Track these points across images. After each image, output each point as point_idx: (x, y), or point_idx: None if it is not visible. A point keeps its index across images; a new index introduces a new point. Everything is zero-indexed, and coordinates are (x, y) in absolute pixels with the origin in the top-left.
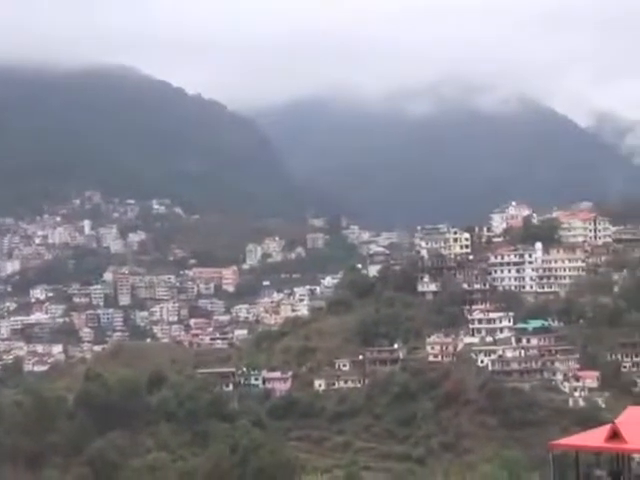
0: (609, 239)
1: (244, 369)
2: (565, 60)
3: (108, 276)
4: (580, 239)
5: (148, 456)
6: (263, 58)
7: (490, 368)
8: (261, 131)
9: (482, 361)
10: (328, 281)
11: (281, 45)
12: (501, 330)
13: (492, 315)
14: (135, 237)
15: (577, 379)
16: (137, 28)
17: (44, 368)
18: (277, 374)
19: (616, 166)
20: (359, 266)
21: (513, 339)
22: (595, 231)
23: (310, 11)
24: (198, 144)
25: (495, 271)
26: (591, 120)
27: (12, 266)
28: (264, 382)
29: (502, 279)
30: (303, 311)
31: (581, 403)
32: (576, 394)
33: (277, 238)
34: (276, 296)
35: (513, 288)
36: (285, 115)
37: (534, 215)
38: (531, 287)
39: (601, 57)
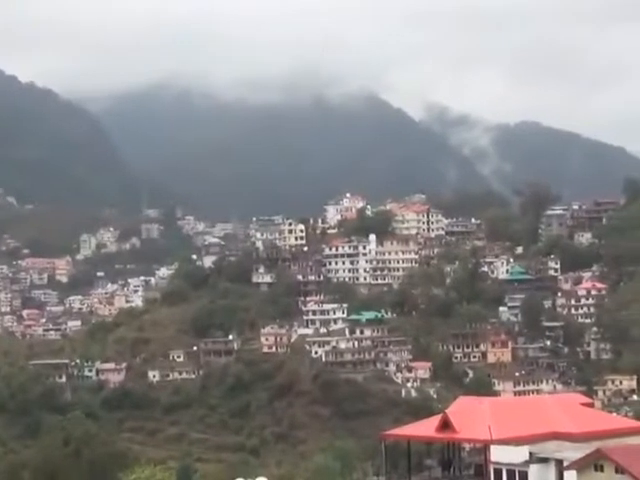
0: (442, 231)
1: (77, 360)
2: (403, 55)
3: None
4: (413, 231)
5: None
6: (102, 47)
7: (324, 359)
8: (96, 120)
9: (316, 352)
10: (163, 272)
11: (123, 34)
12: (335, 321)
13: (326, 306)
14: None
15: (409, 370)
16: None
17: None
18: (111, 365)
19: (447, 158)
20: (194, 257)
21: (347, 330)
22: (428, 223)
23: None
24: (31, 133)
25: (329, 263)
26: (424, 113)
27: None
28: (98, 373)
29: (336, 271)
30: (137, 302)
31: (413, 393)
32: (408, 385)
33: (111, 228)
34: (110, 287)
35: (347, 280)
36: (122, 104)
37: (368, 207)
38: (365, 279)
39: (437, 52)
